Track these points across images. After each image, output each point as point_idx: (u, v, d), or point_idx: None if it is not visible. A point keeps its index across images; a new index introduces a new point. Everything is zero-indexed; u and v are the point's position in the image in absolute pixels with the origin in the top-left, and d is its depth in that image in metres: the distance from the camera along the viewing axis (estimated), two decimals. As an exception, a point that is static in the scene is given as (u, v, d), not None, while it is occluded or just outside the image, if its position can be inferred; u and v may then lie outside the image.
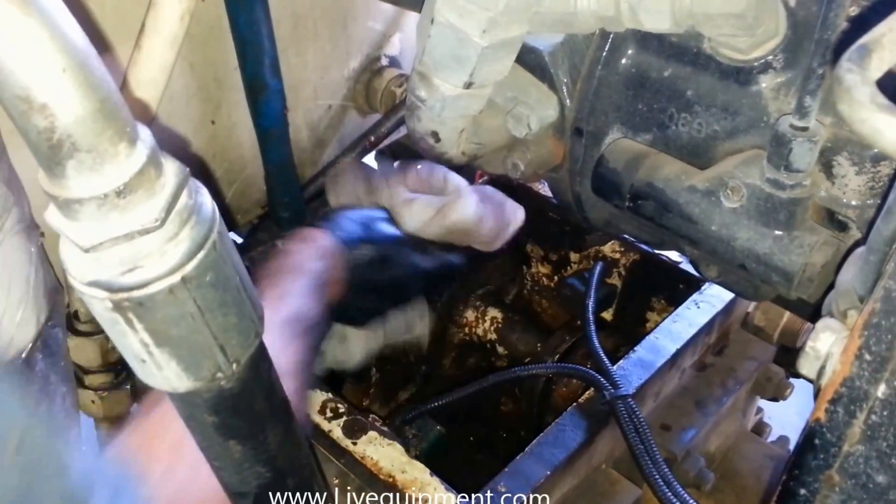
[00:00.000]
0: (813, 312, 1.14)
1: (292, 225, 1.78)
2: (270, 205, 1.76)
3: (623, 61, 1.17)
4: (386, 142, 1.92)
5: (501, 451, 2.08)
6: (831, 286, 0.86)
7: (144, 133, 0.60)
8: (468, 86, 1.08)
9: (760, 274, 1.06)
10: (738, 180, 1.06)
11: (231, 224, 1.84)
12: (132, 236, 0.60)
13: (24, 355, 1.16)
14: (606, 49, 1.17)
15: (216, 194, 1.75)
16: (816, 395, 0.74)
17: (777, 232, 1.05)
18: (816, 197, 1.05)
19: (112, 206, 0.58)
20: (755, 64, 1.08)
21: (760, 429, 2.07)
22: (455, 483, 1.44)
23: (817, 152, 1.01)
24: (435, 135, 1.18)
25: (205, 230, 0.63)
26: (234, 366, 0.70)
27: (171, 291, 0.62)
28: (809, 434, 0.72)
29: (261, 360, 0.75)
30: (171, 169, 0.62)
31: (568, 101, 1.20)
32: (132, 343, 0.65)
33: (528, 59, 1.19)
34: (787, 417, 2.34)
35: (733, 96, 1.10)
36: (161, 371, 0.67)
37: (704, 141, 1.13)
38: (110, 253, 0.60)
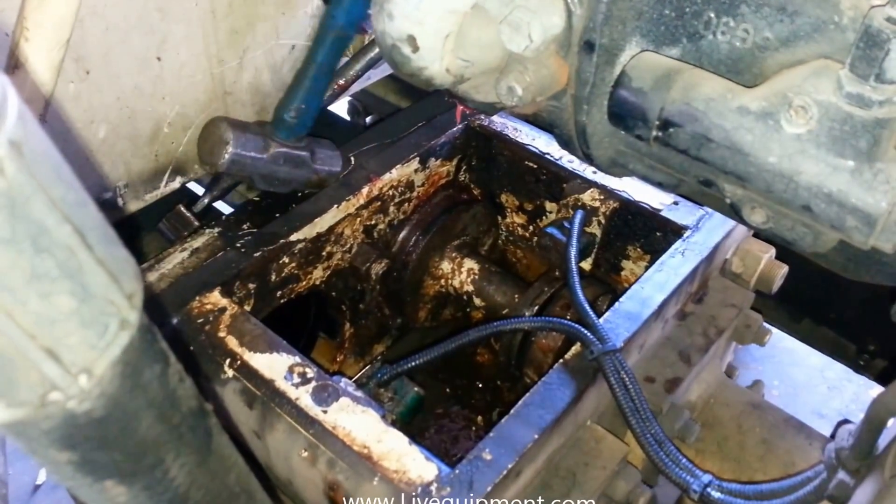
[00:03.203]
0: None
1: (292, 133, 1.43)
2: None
3: (647, -48, 0.80)
4: (355, 87, 1.54)
5: (478, 402, 1.77)
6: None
7: None
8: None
9: (830, 217, 0.71)
10: (805, 97, 0.70)
11: (187, 174, 1.45)
12: None
13: None
14: (626, -62, 0.80)
15: (169, 141, 1.36)
16: None
17: (855, 163, 0.69)
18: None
19: None
20: (824, -53, 0.71)
21: (730, 371, 1.79)
22: (430, 436, 1.12)
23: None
24: (412, 40, 0.79)
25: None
26: (84, 378, 0.34)
27: None
28: None
29: (143, 360, 0.39)
30: None
31: (577, 6, 0.81)
32: None
33: (528, -49, 0.82)
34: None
35: (793, -9, 0.74)
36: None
37: (750, 52, 0.75)
38: None
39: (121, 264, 0.36)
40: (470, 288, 1.68)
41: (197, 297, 1.28)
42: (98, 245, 0.34)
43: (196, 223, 1.42)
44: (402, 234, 1.64)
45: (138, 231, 1.56)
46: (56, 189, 0.31)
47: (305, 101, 1.39)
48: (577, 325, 1.29)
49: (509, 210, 1.81)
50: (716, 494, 1.18)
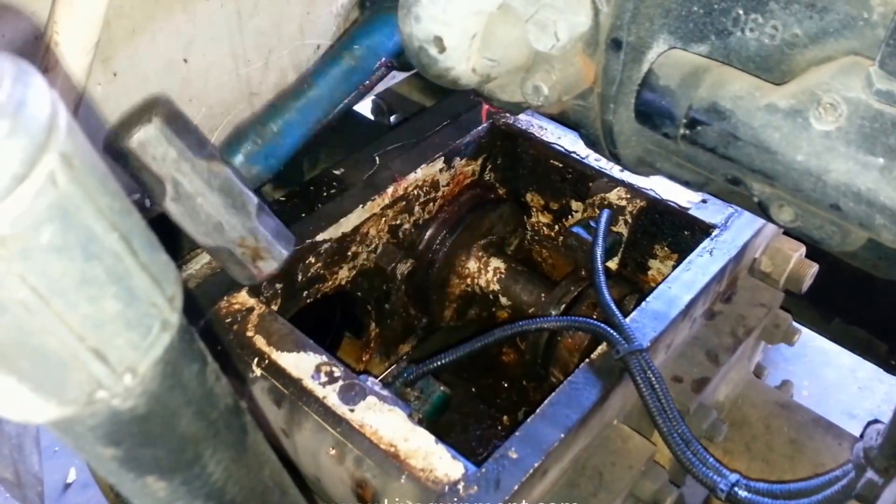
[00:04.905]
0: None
1: None
2: None
3: (675, -51, 0.81)
4: (380, 87, 1.56)
5: (504, 401, 1.78)
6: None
7: None
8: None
9: (859, 216, 0.72)
10: (834, 94, 0.71)
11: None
12: None
13: None
14: (654, -66, 0.81)
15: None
16: None
17: (884, 161, 0.70)
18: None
19: None
20: (854, -58, 0.72)
21: (759, 371, 1.79)
22: (456, 436, 1.13)
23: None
24: (439, 41, 0.81)
25: (32, 147, 0.29)
26: (128, 377, 0.36)
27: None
28: None
29: (182, 359, 0.41)
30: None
31: (604, 4, 0.83)
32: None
33: (554, -52, 0.83)
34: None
35: (823, -13, 0.75)
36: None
37: (779, 49, 0.77)
38: None
39: (162, 268, 0.38)
40: (496, 287, 1.69)
41: (225, 297, 1.30)
42: (142, 251, 0.36)
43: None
44: (427, 233, 1.66)
45: (166, 232, 1.59)
46: (103, 198, 0.33)
47: (283, 128, 1.10)
48: (603, 325, 1.29)
49: (535, 209, 1.82)
50: (743, 493, 1.18)
